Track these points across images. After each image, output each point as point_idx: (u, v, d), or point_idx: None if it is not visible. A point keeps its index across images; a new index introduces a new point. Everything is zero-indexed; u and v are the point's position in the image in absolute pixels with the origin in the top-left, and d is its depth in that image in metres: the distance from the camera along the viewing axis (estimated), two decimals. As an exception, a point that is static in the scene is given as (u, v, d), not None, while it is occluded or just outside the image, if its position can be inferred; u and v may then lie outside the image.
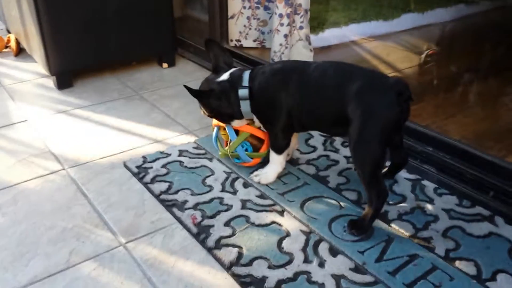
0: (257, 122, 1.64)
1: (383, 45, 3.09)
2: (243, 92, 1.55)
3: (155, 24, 2.62)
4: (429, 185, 1.65)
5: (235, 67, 1.66)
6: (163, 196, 1.59)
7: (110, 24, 2.47)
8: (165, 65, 2.76)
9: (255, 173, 1.70)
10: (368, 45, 3.07)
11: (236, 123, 1.66)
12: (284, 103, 1.51)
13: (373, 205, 1.39)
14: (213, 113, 1.65)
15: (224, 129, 1.72)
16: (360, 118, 1.36)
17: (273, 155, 1.65)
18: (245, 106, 1.57)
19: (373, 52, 2.95)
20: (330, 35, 3.04)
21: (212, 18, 2.71)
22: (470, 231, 1.44)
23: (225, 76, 1.61)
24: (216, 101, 1.59)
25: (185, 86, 1.54)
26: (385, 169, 1.67)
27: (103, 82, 2.56)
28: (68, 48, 2.40)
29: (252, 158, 1.73)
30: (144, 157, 1.81)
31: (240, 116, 1.62)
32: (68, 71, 2.48)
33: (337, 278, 1.27)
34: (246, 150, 1.72)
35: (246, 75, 1.58)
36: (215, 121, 1.75)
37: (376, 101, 1.36)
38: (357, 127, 1.37)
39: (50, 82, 2.53)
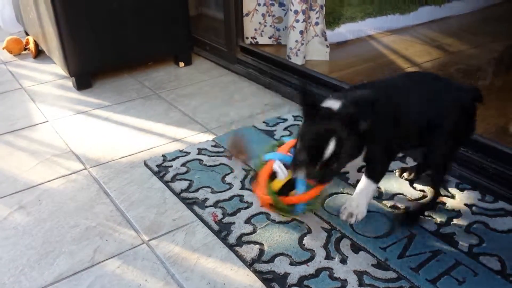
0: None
1: (400, 39, 3.05)
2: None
3: (171, 23, 2.63)
4: (451, 180, 1.63)
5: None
6: (183, 194, 1.60)
7: (127, 25, 2.49)
8: (181, 64, 2.77)
9: (344, 211, 1.48)
10: (385, 40, 3.04)
11: None
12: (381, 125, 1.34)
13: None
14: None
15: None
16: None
17: (367, 184, 1.45)
18: None
19: (391, 47, 2.92)
20: (346, 30, 3.02)
21: (227, 16, 2.70)
22: (494, 226, 1.42)
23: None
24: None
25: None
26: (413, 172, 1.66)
27: (121, 82, 2.59)
28: (86, 49, 2.43)
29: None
30: (164, 156, 1.83)
31: None
32: (87, 72, 2.51)
33: (360, 274, 1.26)
34: None
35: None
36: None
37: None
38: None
39: (70, 83, 2.56)
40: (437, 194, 1.50)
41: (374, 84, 1.48)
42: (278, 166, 1.41)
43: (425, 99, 1.41)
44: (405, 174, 1.65)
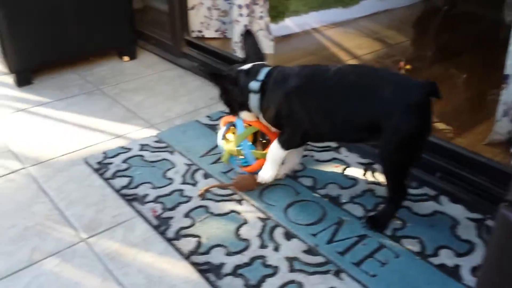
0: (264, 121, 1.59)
1: (343, 31, 3.15)
2: (253, 85, 1.51)
3: (114, 16, 2.61)
4: (380, 168, 1.72)
5: (265, 63, 1.62)
6: (123, 191, 1.63)
7: (68, 19, 2.45)
8: (126, 58, 2.76)
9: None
10: (328, 32, 3.13)
11: (244, 115, 1.61)
12: (296, 109, 1.45)
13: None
14: (223, 98, 1.62)
15: (233, 126, 1.65)
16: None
17: (272, 150, 1.55)
18: (254, 100, 1.53)
19: (334, 39, 3.01)
20: (291, 24, 3.08)
21: (171, 9, 2.71)
22: (416, 210, 1.52)
23: (247, 66, 1.57)
24: (229, 86, 1.56)
25: (201, 67, 1.56)
26: None
27: (63, 78, 2.55)
28: (26, 45, 2.38)
29: (256, 159, 1.63)
30: (104, 152, 1.84)
31: (248, 109, 1.57)
32: (27, 69, 2.45)
33: (291, 260, 1.34)
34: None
35: (265, 70, 1.53)
36: (224, 120, 1.71)
37: None
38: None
39: (10, 79, 2.50)
40: (394, 202, 1.43)
41: (305, 67, 1.51)
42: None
43: (357, 94, 1.36)
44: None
